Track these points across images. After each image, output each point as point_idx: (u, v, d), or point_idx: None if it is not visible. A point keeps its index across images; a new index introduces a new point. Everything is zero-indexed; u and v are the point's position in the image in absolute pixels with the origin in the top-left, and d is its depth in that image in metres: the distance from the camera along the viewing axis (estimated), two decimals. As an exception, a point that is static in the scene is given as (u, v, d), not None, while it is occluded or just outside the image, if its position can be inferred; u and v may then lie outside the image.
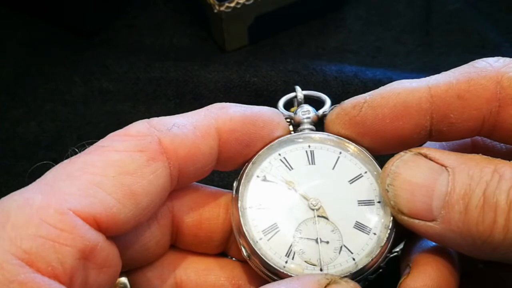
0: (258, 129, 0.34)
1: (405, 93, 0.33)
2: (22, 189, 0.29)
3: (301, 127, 0.37)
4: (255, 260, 0.33)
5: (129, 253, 0.33)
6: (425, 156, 0.32)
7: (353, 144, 0.35)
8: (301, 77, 0.52)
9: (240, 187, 0.34)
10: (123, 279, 0.34)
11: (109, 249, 0.29)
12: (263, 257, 0.33)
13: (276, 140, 0.35)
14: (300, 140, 0.36)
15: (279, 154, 0.35)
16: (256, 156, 0.35)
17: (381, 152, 0.35)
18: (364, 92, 0.34)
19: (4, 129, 0.52)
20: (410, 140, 0.33)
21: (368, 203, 0.34)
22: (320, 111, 0.37)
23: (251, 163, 0.35)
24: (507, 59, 0.33)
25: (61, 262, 0.26)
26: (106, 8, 0.60)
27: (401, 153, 0.33)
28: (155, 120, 0.32)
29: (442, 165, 0.31)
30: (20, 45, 0.58)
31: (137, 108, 0.53)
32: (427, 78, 0.33)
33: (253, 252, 0.33)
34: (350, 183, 0.34)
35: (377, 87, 0.34)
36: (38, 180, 0.29)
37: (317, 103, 0.38)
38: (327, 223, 0.33)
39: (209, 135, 0.32)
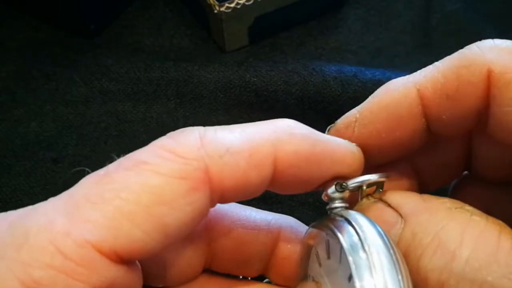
0: (323, 170, 0.29)
1: (393, 103, 0.30)
2: (49, 204, 0.26)
3: (330, 204, 0.31)
4: None
5: (157, 271, 0.30)
6: (386, 203, 0.27)
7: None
8: (301, 77, 0.52)
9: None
10: None
11: (130, 278, 0.27)
12: None
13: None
14: (323, 226, 0.29)
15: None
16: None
17: (383, 161, 0.33)
18: (363, 92, 0.34)
19: (5, 129, 0.52)
20: (411, 145, 0.32)
21: None
22: (352, 185, 0.30)
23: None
24: (504, 46, 0.29)
25: None
26: (106, 8, 0.60)
27: (359, 201, 0.29)
28: (208, 138, 0.27)
29: (399, 214, 0.26)
30: (20, 45, 0.58)
31: (137, 108, 0.53)
32: (416, 75, 0.31)
33: None
34: None
35: (377, 87, 0.33)
36: (67, 194, 0.26)
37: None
38: None
39: (265, 166, 0.28)
